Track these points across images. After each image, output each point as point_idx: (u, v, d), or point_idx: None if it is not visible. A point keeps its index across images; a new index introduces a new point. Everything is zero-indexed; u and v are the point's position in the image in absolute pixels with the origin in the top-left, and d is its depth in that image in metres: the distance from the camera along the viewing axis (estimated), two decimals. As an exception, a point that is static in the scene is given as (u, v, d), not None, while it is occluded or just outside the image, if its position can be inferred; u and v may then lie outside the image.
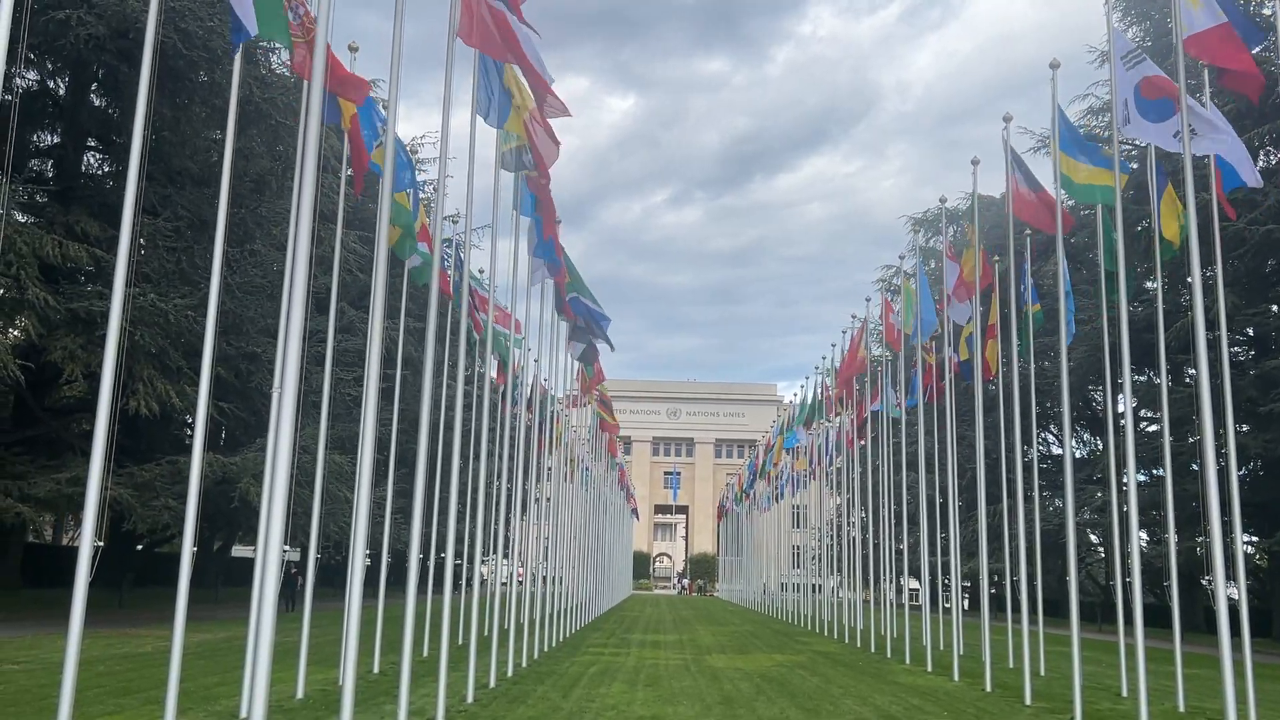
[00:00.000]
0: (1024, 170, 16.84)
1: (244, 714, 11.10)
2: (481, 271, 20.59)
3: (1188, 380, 33.97)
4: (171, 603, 9.83)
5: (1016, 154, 16.87)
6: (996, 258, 19.93)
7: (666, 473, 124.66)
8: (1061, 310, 14.94)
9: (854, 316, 29.99)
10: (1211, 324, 16.20)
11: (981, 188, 19.12)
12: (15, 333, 27.41)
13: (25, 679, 14.52)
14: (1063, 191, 15.17)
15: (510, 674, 16.77)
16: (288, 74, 29.97)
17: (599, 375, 27.73)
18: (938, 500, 24.18)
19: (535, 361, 22.67)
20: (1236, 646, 10.76)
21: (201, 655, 18.72)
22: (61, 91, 29.87)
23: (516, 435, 20.60)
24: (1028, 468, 24.40)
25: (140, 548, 42.43)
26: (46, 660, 16.88)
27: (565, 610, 27.84)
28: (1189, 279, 10.93)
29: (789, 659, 22.71)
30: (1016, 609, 17.45)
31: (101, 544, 8.22)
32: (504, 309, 20.14)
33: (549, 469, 26.08)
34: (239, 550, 53.96)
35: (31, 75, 28.50)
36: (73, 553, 8.51)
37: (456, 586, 33.69)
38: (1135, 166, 35.62)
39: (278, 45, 29.33)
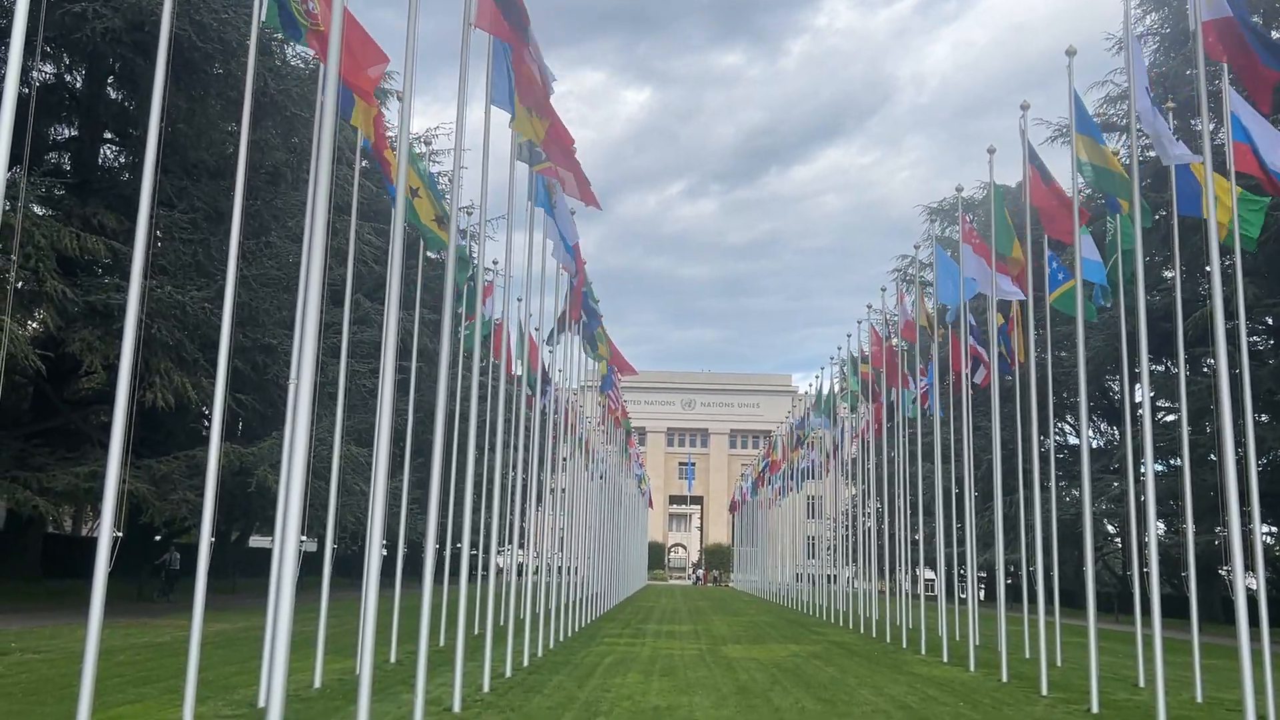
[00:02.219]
0: (1038, 162, 16.72)
1: (262, 703, 11.18)
2: (495, 263, 20.62)
3: (1206, 370, 33.75)
4: (189, 593, 9.90)
5: (1033, 146, 16.76)
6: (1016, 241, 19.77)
7: (681, 463, 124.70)
8: (1079, 297, 14.84)
9: (869, 307, 29.97)
10: (1230, 313, 16.07)
11: (998, 178, 18.99)
12: (34, 325, 27.59)
13: (46, 668, 14.65)
14: (1080, 179, 15.05)
15: (526, 664, 16.83)
16: (303, 66, 30.05)
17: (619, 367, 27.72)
18: (954, 490, 24.11)
19: (550, 352, 22.70)
20: (1255, 637, 10.72)
21: (220, 645, 18.85)
22: (78, 84, 30.00)
23: (531, 426, 20.63)
24: (1044, 458, 24.29)
25: (159, 539, 42.68)
26: (67, 650, 17.02)
27: (580, 600, 27.90)
28: (1208, 268, 10.83)
29: (804, 649, 22.71)
30: (1033, 599, 17.39)
31: (120, 535, 8.28)
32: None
33: (564, 459, 26.13)
34: (256, 541, 54.27)
35: (48, 68, 28.62)
36: (92, 544, 8.58)
37: (472, 577, 33.82)
38: (1154, 154, 35.37)
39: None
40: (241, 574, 45.10)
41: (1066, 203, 15.89)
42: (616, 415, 35.88)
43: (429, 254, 16.97)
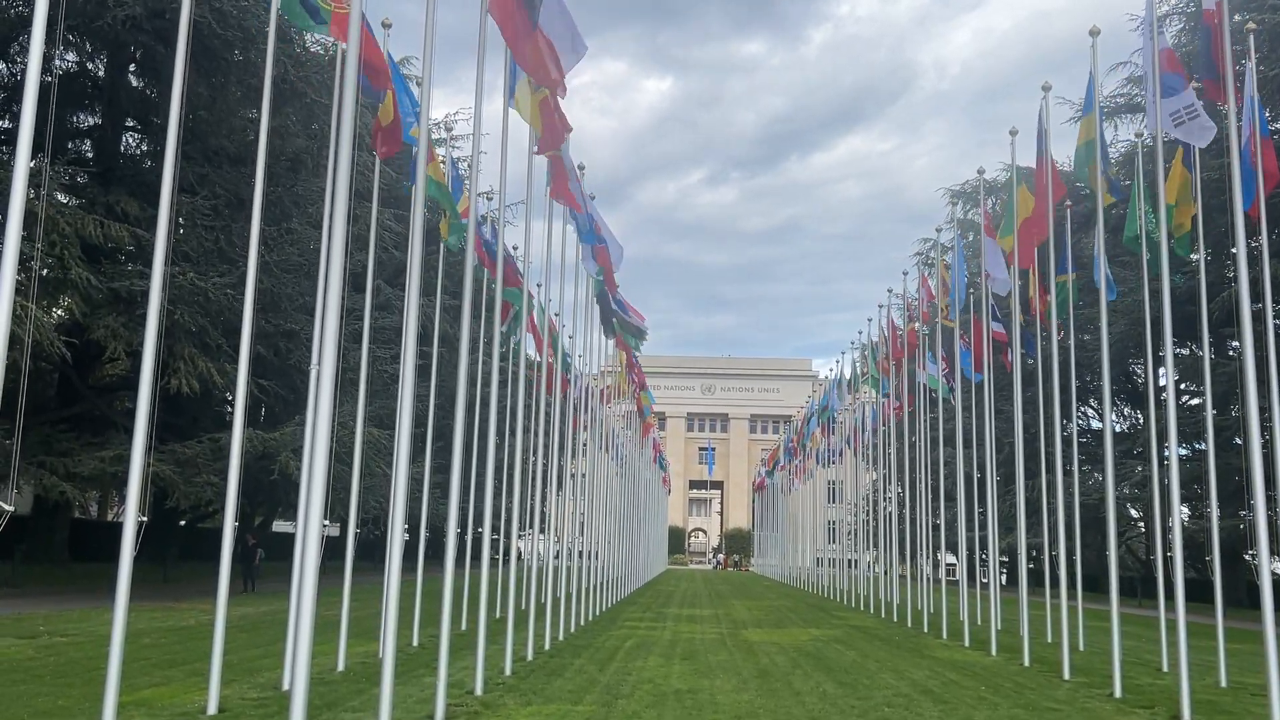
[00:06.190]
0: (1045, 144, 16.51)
1: (286, 686, 11.28)
2: (515, 248, 20.61)
3: (1231, 353, 33.45)
4: (214, 577, 9.99)
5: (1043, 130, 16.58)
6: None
7: (701, 448, 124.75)
8: (1102, 281, 14.73)
9: (890, 291, 29.82)
10: (1257, 295, 15.88)
11: (1020, 160, 18.77)
12: (59, 312, 27.82)
13: (74, 651, 14.83)
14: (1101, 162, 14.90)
15: (547, 647, 16.91)
16: (322, 52, 30.08)
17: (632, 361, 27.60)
18: (975, 475, 23.99)
19: (570, 339, 22.71)
20: (1279, 621, 10.63)
21: (244, 629, 19.03)
22: (100, 72, 30.14)
23: (552, 411, 20.66)
24: (1067, 442, 24.09)
25: (183, 523, 43.08)
26: (94, 633, 17.22)
27: (601, 585, 27.98)
28: (1233, 249, 10.72)
29: (825, 633, 22.71)
30: (1055, 584, 17.34)
31: (145, 520, 8.36)
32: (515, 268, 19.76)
33: (584, 445, 26.15)
34: (279, 526, 54.63)
35: (70, 56, 28.77)
36: (118, 528, 8.66)
37: (494, 561, 34.01)
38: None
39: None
40: (265, 558, 45.42)
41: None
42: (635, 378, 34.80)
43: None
